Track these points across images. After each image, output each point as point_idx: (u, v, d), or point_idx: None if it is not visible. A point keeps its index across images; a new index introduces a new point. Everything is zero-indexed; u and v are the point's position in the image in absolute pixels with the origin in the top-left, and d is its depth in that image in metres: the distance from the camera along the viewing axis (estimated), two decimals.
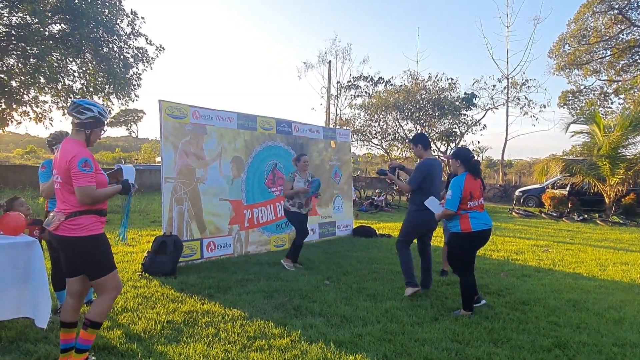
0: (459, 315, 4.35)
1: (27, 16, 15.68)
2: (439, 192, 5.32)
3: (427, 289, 5.25)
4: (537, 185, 20.12)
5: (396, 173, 5.47)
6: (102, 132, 3.14)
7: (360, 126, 24.44)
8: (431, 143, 5.11)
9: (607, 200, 15.03)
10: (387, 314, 4.38)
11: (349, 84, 26.31)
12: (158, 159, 35.97)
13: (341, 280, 5.69)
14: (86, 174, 2.85)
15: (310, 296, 4.91)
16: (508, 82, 25.95)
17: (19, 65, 17.18)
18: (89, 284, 3.10)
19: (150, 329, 3.82)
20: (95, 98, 19.19)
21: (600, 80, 28.17)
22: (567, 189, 17.50)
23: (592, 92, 28.77)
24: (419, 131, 24.16)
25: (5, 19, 16.16)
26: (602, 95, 28.32)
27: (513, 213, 16.46)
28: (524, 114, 25.28)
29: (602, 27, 25.66)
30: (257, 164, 7.64)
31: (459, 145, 22.07)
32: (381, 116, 23.93)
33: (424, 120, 23.09)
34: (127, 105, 20.78)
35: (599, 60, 26.91)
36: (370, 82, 25.47)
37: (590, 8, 25.05)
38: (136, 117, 65.11)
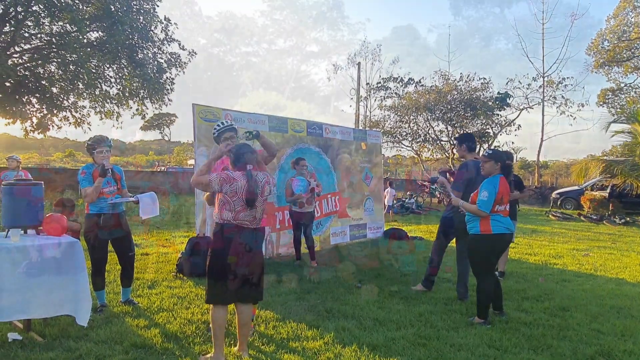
0: (474, 322, 4.19)
1: (67, 25, 16.27)
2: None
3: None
4: (575, 187, 19.46)
5: (447, 176, 5.39)
6: None
7: (391, 127, 24.23)
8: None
9: None
10: (421, 318, 4.31)
11: (379, 85, 26.13)
12: (190, 161, 36.67)
13: (373, 283, 5.63)
14: None
15: (342, 298, 4.88)
16: (544, 80, 25.22)
17: (59, 72, 17.85)
18: None
19: (185, 329, 3.89)
20: (130, 102, 19.77)
21: None
22: (608, 190, 16.84)
23: (634, 89, 27.67)
24: (450, 132, 23.78)
25: (46, 27, 16.83)
26: None
27: (550, 216, 15.96)
28: (560, 114, 24.53)
29: None
30: (289, 166, 7.66)
31: (493, 147, 21.57)
32: (412, 117, 23.66)
33: (456, 121, 22.69)
34: (161, 109, 21.28)
35: None
36: (400, 83, 25.19)
37: (631, 3, 24.13)
38: (169, 121, 66.63)
